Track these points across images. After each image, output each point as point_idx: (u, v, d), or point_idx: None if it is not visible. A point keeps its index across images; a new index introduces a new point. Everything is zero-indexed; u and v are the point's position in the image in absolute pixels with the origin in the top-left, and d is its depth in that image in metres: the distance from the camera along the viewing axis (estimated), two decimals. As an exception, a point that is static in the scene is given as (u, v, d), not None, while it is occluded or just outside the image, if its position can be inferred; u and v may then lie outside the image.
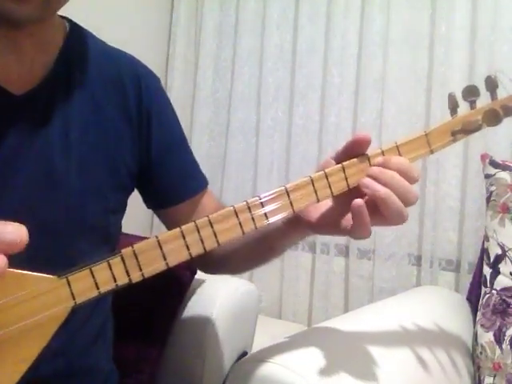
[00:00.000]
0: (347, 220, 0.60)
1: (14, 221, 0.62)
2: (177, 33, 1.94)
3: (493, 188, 1.03)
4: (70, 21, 0.72)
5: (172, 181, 0.79)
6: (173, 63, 1.94)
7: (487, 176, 1.05)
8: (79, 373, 0.72)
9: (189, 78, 1.95)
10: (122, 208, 0.76)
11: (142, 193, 0.81)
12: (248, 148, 1.82)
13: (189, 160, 0.82)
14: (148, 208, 0.84)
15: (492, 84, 0.62)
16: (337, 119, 1.66)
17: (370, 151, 0.60)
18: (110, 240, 0.74)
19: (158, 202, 0.82)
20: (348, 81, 1.65)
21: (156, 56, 1.93)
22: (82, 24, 0.73)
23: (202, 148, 1.86)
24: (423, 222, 1.53)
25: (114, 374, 0.81)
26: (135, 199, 0.80)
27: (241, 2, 1.84)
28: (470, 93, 0.63)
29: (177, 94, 1.91)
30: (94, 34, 0.75)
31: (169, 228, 0.83)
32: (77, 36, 0.71)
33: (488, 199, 1.03)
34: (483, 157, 1.09)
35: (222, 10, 1.89)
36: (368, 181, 0.57)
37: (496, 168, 1.04)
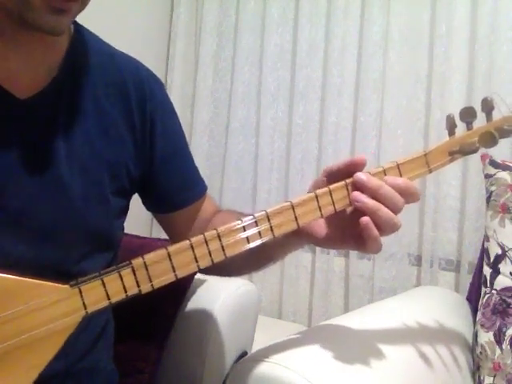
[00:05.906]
0: (355, 236, 0.61)
1: (17, 225, 0.62)
2: (177, 33, 1.93)
3: (493, 188, 1.03)
4: (74, 22, 0.70)
5: (173, 188, 0.79)
6: (173, 63, 1.94)
7: (487, 176, 1.05)
8: (80, 373, 0.72)
9: (189, 77, 1.95)
10: (124, 212, 0.76)
11: (142, 197, 0.81)
12: (248, 148, 1.82)
13: (190, 167, 0.82)
14: (147, 210, 0.84)
15: (488, 106, 0.64)
16: (337, 119, 1.66)
17: (372, 169, 0.61)
18: (113, 244, 0.74)
19: (158, 207, 0.82)
20: (348, 81, 1.65)
21: (156, 56, 1.93)
22: (81, 24, 0.72)
23: (201, 148, 1.86)
24: (423, 222, 1.54)
25: (114, 373, 0.81)
26: (135, 200, 0.80)
27: (241, 2, 1.84)
28: (467, 114, 0.65)
29: (177, 93, 1.91)
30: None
31: (167, 230, 0.84)
32: (82, 38, 0.70)
33: (488, 199, 1.03)
34: (483, 157, 1.08)
35: (221, 9, 1.89)
36: (357, 194, 0.59)
37: (496, 168, 1.04)
